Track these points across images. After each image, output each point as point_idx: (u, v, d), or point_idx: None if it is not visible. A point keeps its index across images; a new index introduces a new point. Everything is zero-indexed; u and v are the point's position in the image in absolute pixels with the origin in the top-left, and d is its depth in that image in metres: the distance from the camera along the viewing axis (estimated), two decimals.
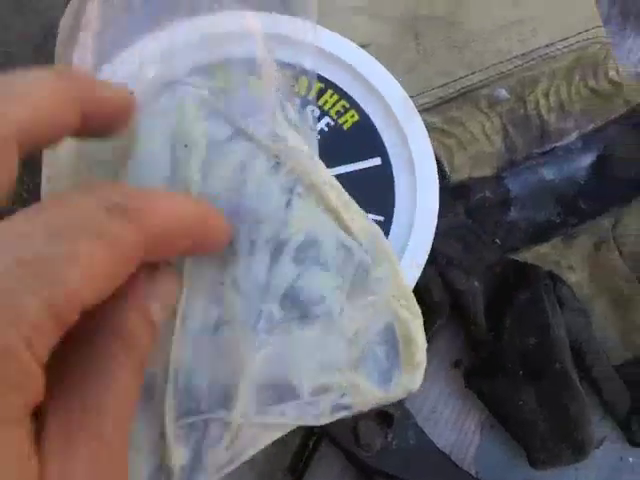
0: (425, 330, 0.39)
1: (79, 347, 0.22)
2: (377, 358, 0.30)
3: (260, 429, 0.29)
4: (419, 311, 0.31)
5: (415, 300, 0.31)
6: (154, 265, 0.24)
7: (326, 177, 0.30)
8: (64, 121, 0.24)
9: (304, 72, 0.34)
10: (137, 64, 0.31)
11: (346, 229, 0.30)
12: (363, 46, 0.42)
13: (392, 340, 0.30)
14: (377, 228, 0.30)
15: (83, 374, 0.21)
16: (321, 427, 0.39)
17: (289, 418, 0.29)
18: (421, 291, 0.39)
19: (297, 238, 0.29)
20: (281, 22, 0.34)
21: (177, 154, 0.29)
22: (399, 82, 0.42)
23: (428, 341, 0.40)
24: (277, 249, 0.29)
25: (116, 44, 0.32)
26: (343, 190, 0.31)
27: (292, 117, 0.31)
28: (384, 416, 0.40)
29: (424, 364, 0.31)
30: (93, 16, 0.32)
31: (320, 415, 0.29)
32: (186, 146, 0.30)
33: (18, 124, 0.22)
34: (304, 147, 0.30)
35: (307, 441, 0.41)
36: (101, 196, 0.21)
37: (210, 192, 0.29)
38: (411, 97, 0.42)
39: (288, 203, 0.30)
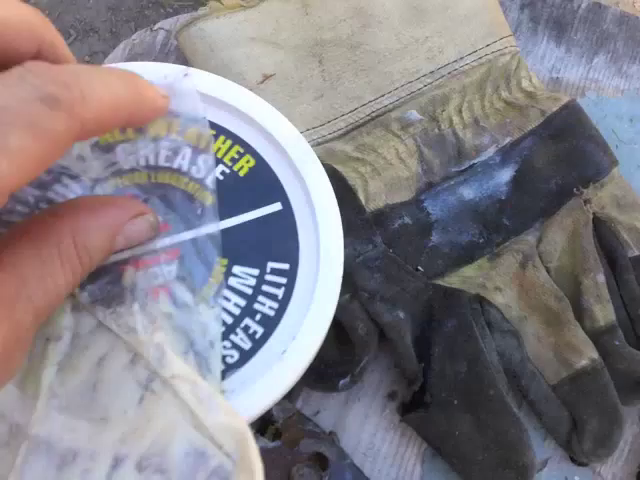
0: (353, 365, 0.39)
1: (29, 235, 0.25)
2: None
3: None
4: None
5: None
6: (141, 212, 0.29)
7: (180, 370, 0.28)
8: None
9: (192, 120, 0.33)
10: None
11: (202, 429, 0.27)
12: (267, 77, 0.41)
13: None
14: (245, 428, 0.27)
15: (23, 260, 0.24)
16: None
17: None
18: (345, 327, 0.38)
19: (142, 443, 0.27)
20: (151, 69, 0.32)
21: (35, 348, 0.28)
22: (307, 110, 0.40)
23: (358, 377, 0.39)
24: (120, 453, 0.27)
25: None
26: (203, 384, 0.28)
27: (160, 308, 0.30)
28: (318, 459, 0.39)
29: None
30: None
31: None
32: (47, 340, 0.28)
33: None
34: (156, 340, 0.29)
35: None
36: (35, 85, 0.22)
37: (64, 389, 0.28)
38: (320, 125, 0.41)
39: (141, 400, 0.28)
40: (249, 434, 0.27)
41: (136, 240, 0.29)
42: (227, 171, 0.33)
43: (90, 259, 0.26)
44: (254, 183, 0.33)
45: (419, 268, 0.40)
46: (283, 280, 0.32)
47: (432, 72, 0.42)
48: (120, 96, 0.25)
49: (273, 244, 0.33)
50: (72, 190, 0.32)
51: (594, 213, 0.41)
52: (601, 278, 0.40)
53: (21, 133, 0.21)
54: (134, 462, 0.27)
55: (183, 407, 0.27)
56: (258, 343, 0.31)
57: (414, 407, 0.39)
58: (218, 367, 0.30)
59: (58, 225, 0.25)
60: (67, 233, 0.25)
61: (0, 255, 0.24)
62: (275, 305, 0.32)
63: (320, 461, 0.39)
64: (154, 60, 0.45)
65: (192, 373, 0.28)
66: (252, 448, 0.27)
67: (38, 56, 0.27)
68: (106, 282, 0.30)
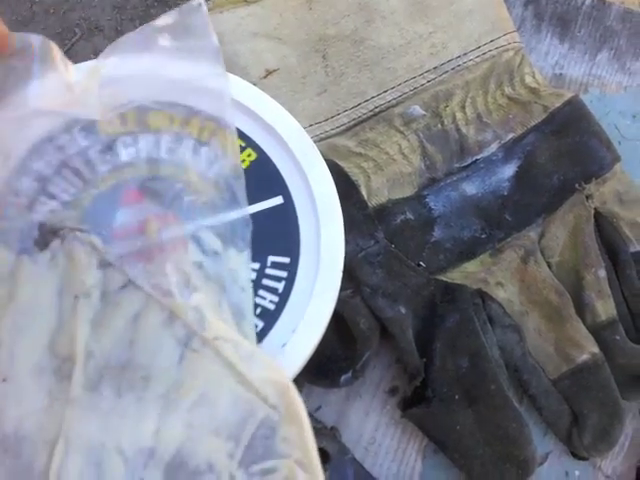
0: (355, 361, 0.39)
1: None
2: None
3: None
4: (321, 476, 0.28)
5: (319, 464, 0.28)
6: None
7: (221, 331, 0.28)
8: None
9: (194, 113, 0.33)
10: None
11: (246, 384, 0.28)
12: (270, 72, 0.41)
13: None
14: (287, 382, 0.28)
15: None
16: None
17: None
18: (348, 322, 0.38)
19: (189, 398, 0.27)
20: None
21: (64, 305, 0.28)
22: (310, 105, 0.40)
23: (360, 372, 0.39)
24: (166, 409, 0.27)
25: None
26: (244, 342, 0.29)
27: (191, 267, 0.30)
28: (319, 454, 0.39)
29: None
30: None
31: None
32: (76, 297, 0.28)
33: None
34: (194, 302, 0.29)
35: None
36: None
37: (99, 346, 0.28)
38: (323, 120, 0.41)
39: (181, 358, 0.28)
40: (292, 387, 0.28)
41: None
42: None
43: None
44: (255, 177, 0.33)
45: (421, 263, 0.40)
46: (284, 274, 0.32)
47: (435, 68, 0.42)
48: None
49: (274, 238, 0.33)
50: (73, 184, 0.32)
51: (596, 208, 0.41)
52: (602, 273, 0.40)
53: None
54: (181, 417, 0.27)
55: (226, 364, 0.28)
56: (258, 337, 0.31)
57: (415, 402, 0.39)
58: (251, 311, 0.31)
59: None
60: None
61: None
62: (275, 299, 0.32)
63: (321, 456, 0.39)
64: None
65: (233, 333, 0.29)
66: (296, 399, 0.28)
67: None
68: (132, 238, 0.30)
